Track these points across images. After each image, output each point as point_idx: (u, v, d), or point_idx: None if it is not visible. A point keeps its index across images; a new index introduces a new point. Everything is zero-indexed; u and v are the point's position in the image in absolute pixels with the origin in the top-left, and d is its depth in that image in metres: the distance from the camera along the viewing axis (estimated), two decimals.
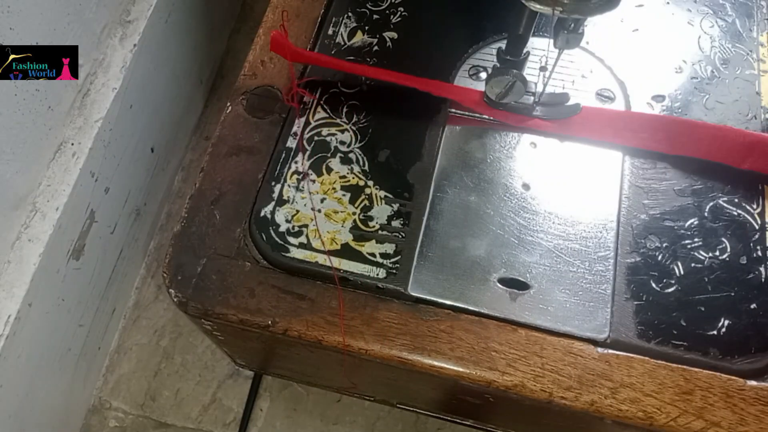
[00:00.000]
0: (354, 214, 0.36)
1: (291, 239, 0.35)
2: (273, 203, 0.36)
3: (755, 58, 0.41)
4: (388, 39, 0.42)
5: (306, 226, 0.35)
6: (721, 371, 0.32)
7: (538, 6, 0.29)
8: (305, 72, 0.41)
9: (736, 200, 0.36)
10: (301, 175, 0.37)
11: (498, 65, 0.36)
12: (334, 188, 0.36)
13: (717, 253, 0.35)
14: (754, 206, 0.36)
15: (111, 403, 0.55)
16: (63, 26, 0.42)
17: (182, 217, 0.36)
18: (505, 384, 0.32)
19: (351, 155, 0.37)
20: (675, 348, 0.32)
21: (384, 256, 0.34)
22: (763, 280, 0.34)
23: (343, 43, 0.41)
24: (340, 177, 0.37)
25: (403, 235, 0.35)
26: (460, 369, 0.32)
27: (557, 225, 0.36)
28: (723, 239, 0.35)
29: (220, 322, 0.35)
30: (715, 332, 0.33)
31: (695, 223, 0.36)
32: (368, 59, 0.41)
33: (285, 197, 0.36)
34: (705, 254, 0.35)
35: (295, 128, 0.38)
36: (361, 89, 0.40)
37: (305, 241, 0.35)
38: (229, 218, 0.36)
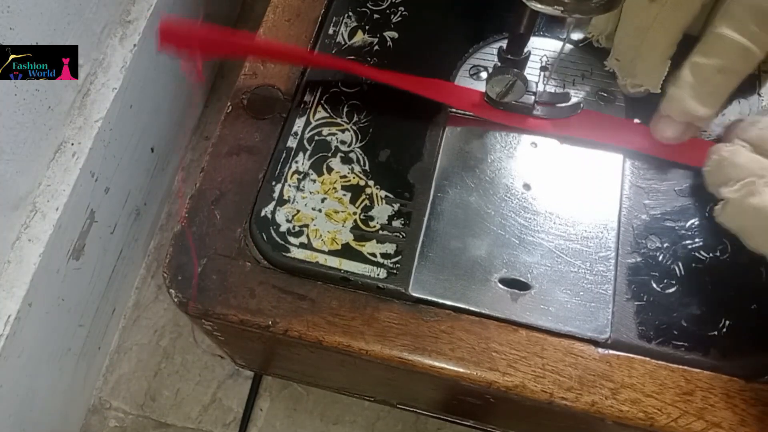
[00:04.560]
0: (354, 214, 0.36)
1: (291, 239, 0.35)
2: (273, 203, 0.36)
3: None
4: (388, 38, 0.41)
5: (306, 226, 0.35)
6: (722, 372, 0.32)
7: (539, 6, 0.29)
8: (306, 72, 0.41)
9: None
10: (302, 174, 0.37)
11: (499, 64, 0.36)
12: (334, 188, 0.36)
13: (718, 253, 0.35)
14: None
15: (111, 403, 0.55)
16: (63, 26, 0.42)
17: (182, 217, 0.36)
18: (506, 384, 0.32)
19: (351, 155, 0.37)
20: (676, 348, 0.32)
21: (385, 256, 0.34)
22: (763, 280, 0.34)
23: (343, 43, 0.41)
24: (341, 177, 0.37)
25: (404, 235, 0.35)
26: (461, 369, 0.32)
27: (558, 225, 0.36)
28: (724, 239, 0.35)
29: (220, 323, 0.35)
30: (715, 332, 0.33)
31: (696, 223, 0.35)
32: (369, 59, 0.41)
33: (285, 197, 0.36)
34: (706, 254, 0.35)
35: (295, 128, 0.38)
36: (362, 89, 0.40)
37: (306, 241, 0.35)
38: (230, 218, 0.36)
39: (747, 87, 0.39)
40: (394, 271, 0.34)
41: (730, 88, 0.33)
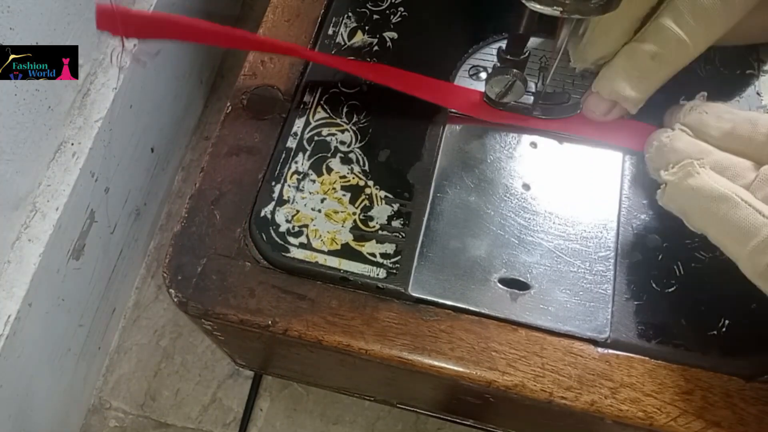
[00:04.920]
0: (354, 214, 0.36)
1: (291, 239, 0.35)
2: (273, 203, 0.36)
3: (755, 58, 0.41)
4: (388, 39, 0.41)
5: (306, 226, 0.35)
6: (722, 371, 0.32)
7: (538, 6, 0.29)
8: (305, 72, 0.41)
9: None
10: (301, 175, 0.37)
11: (498, 65, 0.36)
12: (334, 188, 0.36)
13: (717, 252, 0.34)
14: None
15: (111, 403, 0.55)
16: (63, 26, 0.42)
17: (182, 217, 0.36)
18: (506, 384, 0.32)
19: (351, 155, 0.37)
20: (675, 348, 0.32)
21: (384, 256, 0.34)
22: None
23: (343, 43, 0.41)
24: (341, 177, 0.37)
25: (404, 235, 0.35)
26: (460, 369, 0.32)
27: (558, 225, 0.36)
28: None
29: (220, 322, 0.35)
30: (715, 332, 0.33)
31: None
32: (368, 59, 0.41)
33: (285, 197, 0.36)
34: (705, 254, 0.35)
35: (295, 128, 0.38)
36: (362, 89, 0.40)
37: (305, 241, 0.35)
38: (229, 218, 0.36)
39: (746, 86, 0.39)
40: (394, 271, 0.34)
41: (661, 76, 0.34)
